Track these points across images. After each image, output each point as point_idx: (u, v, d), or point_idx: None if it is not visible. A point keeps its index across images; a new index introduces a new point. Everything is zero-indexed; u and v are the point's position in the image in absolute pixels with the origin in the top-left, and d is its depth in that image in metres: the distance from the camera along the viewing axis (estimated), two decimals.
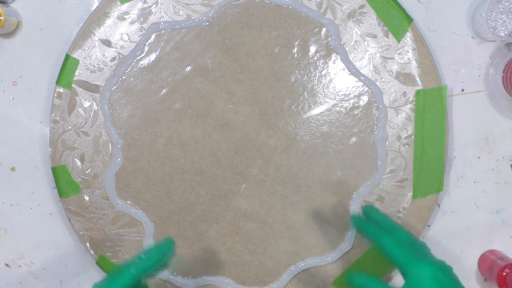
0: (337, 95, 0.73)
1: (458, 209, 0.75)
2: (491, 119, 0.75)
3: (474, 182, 0.75)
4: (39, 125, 0.76)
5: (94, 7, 0.75)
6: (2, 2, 0.74)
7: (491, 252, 0.75)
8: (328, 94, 0.73)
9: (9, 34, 0.75)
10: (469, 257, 0.75)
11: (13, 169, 0.77)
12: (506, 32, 0.70)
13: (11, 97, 0.76)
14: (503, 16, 0.70)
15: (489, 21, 0.70)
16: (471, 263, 0.76)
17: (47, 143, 0.75)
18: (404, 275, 0.59)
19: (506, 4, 0.70)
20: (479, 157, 0.75)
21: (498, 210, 0.75)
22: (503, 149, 0.75)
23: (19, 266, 0.77)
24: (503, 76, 0.72)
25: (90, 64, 0.73)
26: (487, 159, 0.75)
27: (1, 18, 0.71)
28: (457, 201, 0.75)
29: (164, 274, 0.74)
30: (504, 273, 0.70)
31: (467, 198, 0.75)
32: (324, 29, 0.73)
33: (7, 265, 0.77)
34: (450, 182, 0.75)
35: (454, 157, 0.75)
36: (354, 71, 0.73)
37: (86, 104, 0.74)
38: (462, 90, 0.74)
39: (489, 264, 0.72)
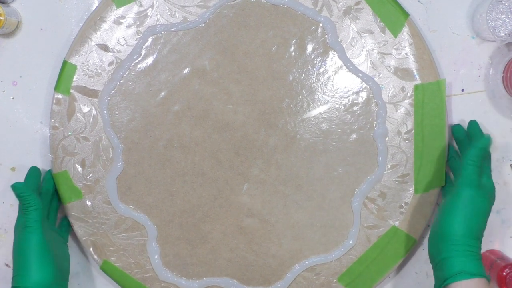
0: (336, 92, 0.73)
1: None
2: (491, 119, 0.75)
3: None
4: (39, 125, 0.76)
5: (94, 7, 0.74)
6: (2, 2, 0.74)
7: (491, 252, 0.74)
8: (326, 91, 0.73)
9: (9, 34, 0.75)
10: None
11: (13, 169, 0.77)
12: (506, 32, 0.70)
13: (11, 97, 0.76)
14: (503, 16, 0.70)
15: (489, 21, 0.70)
16: None
17: (47, 143, 0.75)
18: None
19: (506, 4, 0.70)
20: None
21: (498, 210, 0.75)
22: (503, 149, 0.75)
23: None
24: (503, 76, 0.72)
25: (87, 69, 0.73)
26: None
27: (1, 18, 0.71)
28: None
29: (169, 277, 0.74)
30: (504, 273, 0.70)
31: None
32: (320, 27, 0.73)
33: (7, 265, 0.77)
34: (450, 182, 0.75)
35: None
36: (352, 68, 0.73)
37: (85, 109, 0.74)
38: (462, 90, 0.74)
39: (489, 264, 0.72)
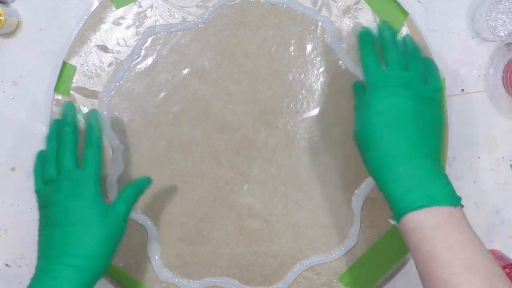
0: (336, 92, 0.73)
1: None
2: (491, 119, 0.75)
3: (474, 182, 0.75)
4: (39, 125, 0.76)
5: (94, 7, 0.74)
6: (2, 2, 0.74)
7: (491, 252, 0.74)
8: (326, 91, 0.73)
9: (9, 34, 0.75)
10: None
11: (13, 169, 0.77)
12: (506, 32, 0.70)
13: (11, 97, 0.76)
14: (503, 16, 0.70)
15: (489, 21, 0.70)
16: None
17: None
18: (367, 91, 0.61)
19: (506, 4, 0.70)
20: (479, 157, 0.75)
21: (498, 210, 0.75)
22: (503, 149, 0.75)
23: (19, 266, 0.77)
24: (503, 76, 0.72)
25: (87, 70, 0.74)
26: (487, 159, 0.75)
27: (1, 18, 0.71)
28: None
29: (169, 277, 0.74)
30: None
31: (467, 198, 0.75)
32: (320, 26, 0.73)
33: (7, 265, 0.77)
34: None
35: (454, 157, 0.75)
36: (351, 67, 0.73)
37: (85, 110, 0.74)
38: (462, 90, 0.74)
39: None
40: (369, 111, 0.59)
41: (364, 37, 0.65)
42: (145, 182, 0.67)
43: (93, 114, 0.69)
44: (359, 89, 0.67)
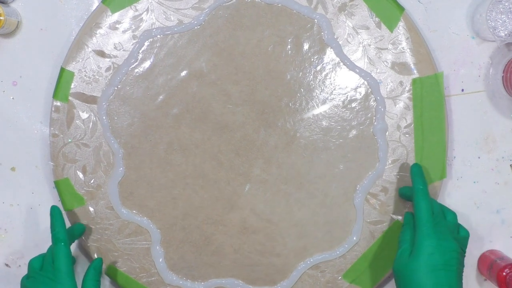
0: (334, 89, 0.73)
1: (458, 209, 0.75)
2: (491, 119, 0.75)
3: (474, 182, 0.75)
4: (39, 125, 0.76)
5: (94, 7, 0.75)
6: (2, 2, 0.74)
7: (491, 252, 0.74)
8: (324, 89, 0.73)
9: (9, 34, 0.76)
10: (469, 257, 0.75)
11: (13, 169, 0.77)
12: (506, 32, 0.70)
13: (11, 97, 0.76)
14: (503, 16, 0.70)
15: (489, 21, 0.70)
16: (471, 263, 0.75)
17: (47, 143, 0.75)
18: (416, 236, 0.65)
19: (506, 4, 0.70)
20: (479, 157, 0.75)
21: (498, 210, 0.75)
22: (503, 149, 0.75)
23: (19, 266, 0.78)
24: (503, 76, 0.72)
25: (85, 75, 0.74)
26: (487, 159, 0.75)
27: (1, 18, 0.71)
28: (457, 201, 0.75)
29: (174, 280, 0.74)
30: (504, 273, 0.70)
31: (467, 198, 0.75)
32: (316, 24, 0.73)
33: (7, 265, 0.78)
34: (450, 182, 0.75)
35: (454, 157, 0.75)
36: (349, 64, 0.73)
37: (84, 115, 0.74)
38: (462, 90, 0.74)
39: (489, 264, 0.72)
40: (417, 261, 0.63)
41: (419, 186, 0.67)
42: (99, 262, 0.71)
43: (55, 211, 0.70)
44: (410, 222, 0.68)
